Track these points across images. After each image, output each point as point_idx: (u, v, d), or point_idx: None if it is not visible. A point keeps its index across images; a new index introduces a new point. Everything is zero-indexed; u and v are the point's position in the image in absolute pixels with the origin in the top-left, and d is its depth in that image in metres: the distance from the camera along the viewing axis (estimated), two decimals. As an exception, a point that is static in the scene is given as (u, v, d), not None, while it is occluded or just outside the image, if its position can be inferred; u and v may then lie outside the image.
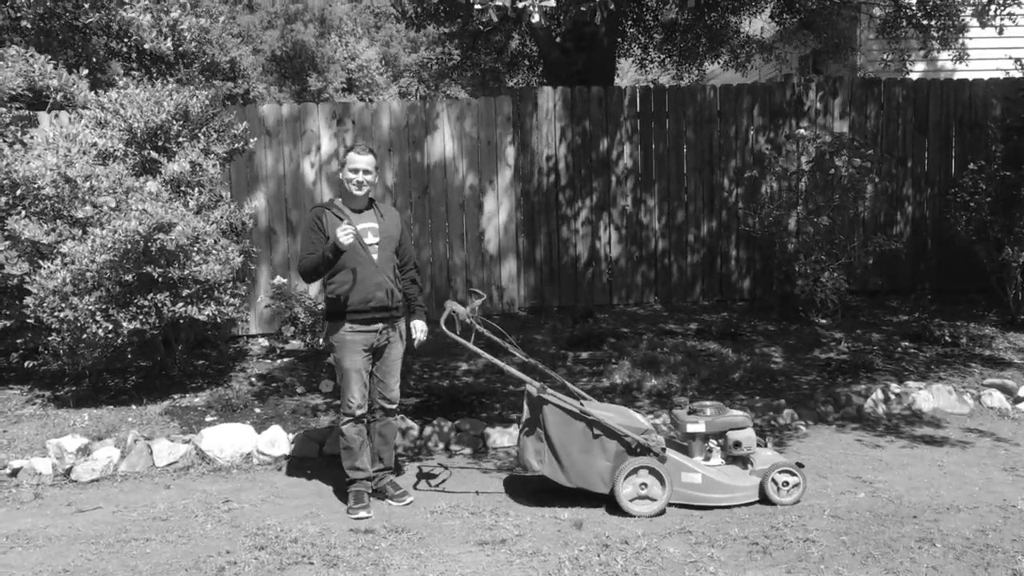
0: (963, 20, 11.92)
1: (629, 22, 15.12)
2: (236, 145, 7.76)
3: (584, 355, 7.92)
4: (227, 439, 6.30)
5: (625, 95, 9.42)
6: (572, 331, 8.47)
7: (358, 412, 5.14)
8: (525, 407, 5.15)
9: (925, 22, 11.91)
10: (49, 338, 6.91)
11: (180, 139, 7.42)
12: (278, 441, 6.33)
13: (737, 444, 5.10)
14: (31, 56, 8.77)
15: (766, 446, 5.34)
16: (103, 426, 6.68)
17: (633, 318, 9.11)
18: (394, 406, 5.37)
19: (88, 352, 6.95)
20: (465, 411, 6.81)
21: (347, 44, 38.32)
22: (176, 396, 7.25)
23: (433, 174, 9.14)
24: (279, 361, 8.14)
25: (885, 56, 12.74)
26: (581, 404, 5.09)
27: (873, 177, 8.11)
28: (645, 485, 4.93)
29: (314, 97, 31.22)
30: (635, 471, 4.91)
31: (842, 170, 7.89)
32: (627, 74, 27.34)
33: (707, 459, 5.17)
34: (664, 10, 15.83)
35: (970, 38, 11.85)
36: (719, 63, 16.16)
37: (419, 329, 5.35)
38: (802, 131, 8.38)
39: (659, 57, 16.24)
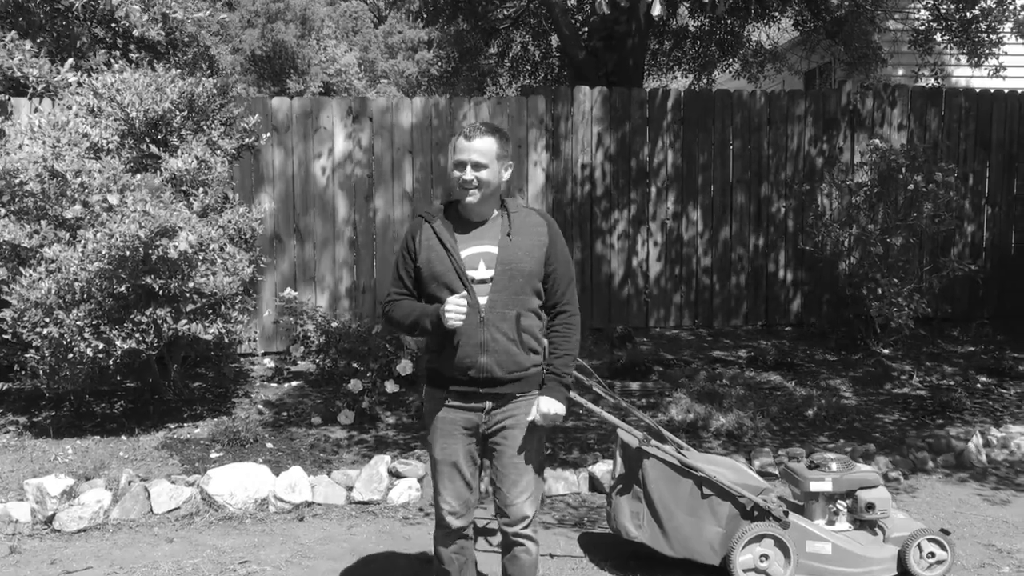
0: (1001, 35, 11.36)
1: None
2: (246, 141, 6.84)
3: (634, 386, 7.08)
4: (238, 482, 5.36)
5: (669, 98, 8.61)
6: (613, 357, 7.62)
7: (455, 523, 3.46)
8: (619, 460, 4.29)
9: (961, 34, 11.32)
10: (27, 355, 5.93)
11: (184, 132, 6.49)
12: (299, 485, 5.40)
13: (870, 506, 4.28)
14: (11, 41, 7.81)
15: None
16: (90, 461, 5.72)
17: (674, 343, 8.28)
18: (518, 527, 3.44)
19: (72, 373, 5.98)
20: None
21: (325, 48, 37.39)
22: (172, 425, 6.30)
23: (458, 179, 8.24)
24: (287, 385, 7.21)
25: (916, 68, 12.11)
26: (682, 455, 4.25)
27: (952, 195, 7.35)
28: (765, 557, 4.08)
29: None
30: (755, 539, 4.07)
31: (921, 185, 7.13)
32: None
33: (832, 523, 4.34)
34: (678, 16, 15.18)
35: (1005, 54, 11.27)
36: (730, 72, 15.52)
37: (543, 411, 3.38)
38: (877, 142, 7.61)
39: (668, 64, 15.55)
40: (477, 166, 3.31)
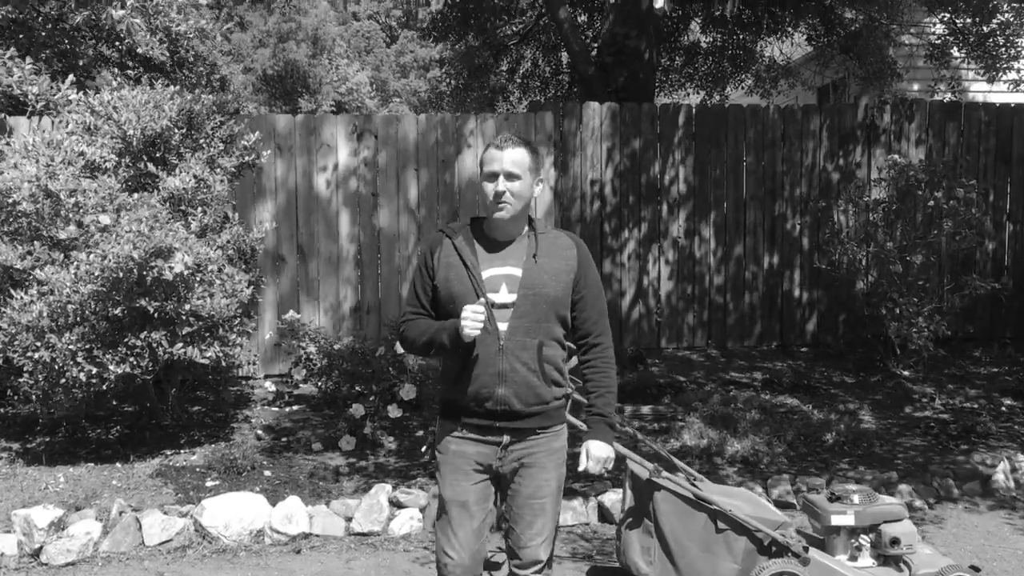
0: (1019, 48, 11.14)
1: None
2: (246, 159, 6.67)
3: (646, 410, 6.85)
4: (233, 512, 5.16)
5: (680, 113, 8.42)
6: (623, 379, 7.39)
7: (457, 572, 3.15)
8: (628, 492, 4.07)
9: (979, 48, 11.11)
10: (20, 380, 5.76)
11: (182, 150, 6.33)
12: (296, 516, 5.19)
13: (894, 541, 4.03)
14: (10, 59, 7.69)
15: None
16: (81, 490, 5.53)
17: (687, 364, 8.05)
18: (530, 571, 3.17)
19: (66, 398, 5.80)
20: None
21: (337, 67, 37.50)
22: (169, 452, 6.11)
23: (464, 196, 8.08)
24: (288, 409, 7.01)
25: (932, 83, 11.90)
26: (695, 487, 4.02)
27: (974, 211, 7.11)
28: (784, 596, 3.85)
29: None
30: (773, 578, 3.84)
31: (942, 202, 6.89)
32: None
33: (854, 559, 4.10)
34: (688, 31, 15.03)
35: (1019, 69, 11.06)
36: (743, 88, 15.33)
37: (593, 456, 3.13)
38: (896, 157, 7.39)
39: (680, 80, 15.37)
40: (510, 176, 3.04)
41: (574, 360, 3.34)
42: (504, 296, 3.07)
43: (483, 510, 3.15)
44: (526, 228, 3.19)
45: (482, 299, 3.02)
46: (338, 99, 35.43)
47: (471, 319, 2.94)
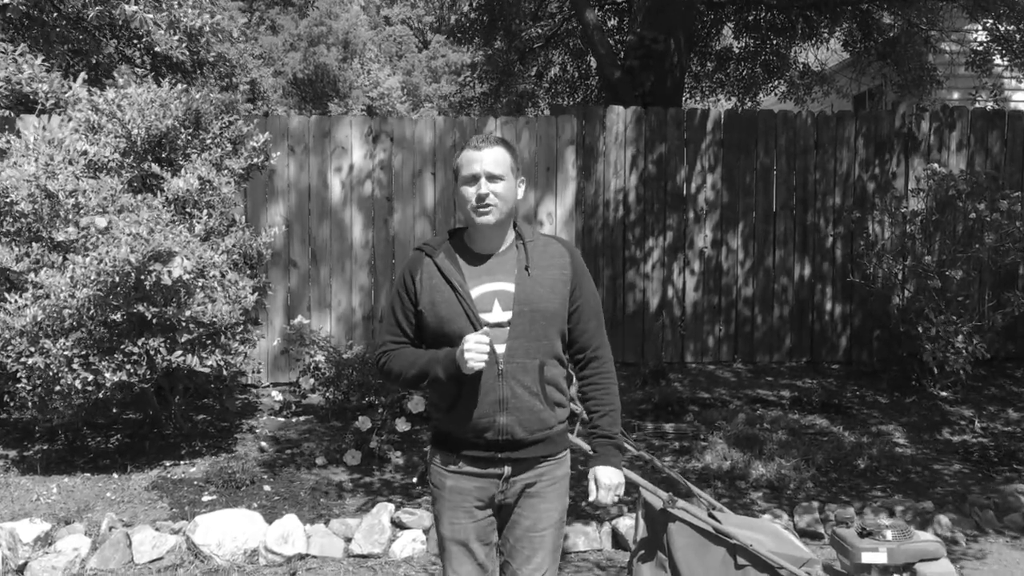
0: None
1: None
2: (255, 160, 6.44)
3: (668, 427, 6.53)
4: (227, 530, 4.91)
5: (708, 119, 8.09)
6: (644, 394, 7.08)
7: None
8: (640, 522, 3.76)
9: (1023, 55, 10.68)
10: (18, 385, 5.55)
11: (188, 150, 6.11)
12: (292, 535, 4.93)
13: (931, 583, 3.70)
14: (20, 55, 7.54)
15: None
16: (74, 502, 5.31)
17: (711, 379, 7.71)
18: None
19: (63, 405, 5.59)
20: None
21: (368, 71, 37.44)
22: (168, 463, 5.88)
23: (482, 203, 7.79)
24: (295, 419, 6.77)
25: (973, 91, 11.47)
26: (714, 517, 3.70)
27: (1020, 224, 6.71)
28: (809, 641, 3.52)
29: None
30: (797, 621, 3.51)
31: (984, 214, 6.52)
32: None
33: (886, 602, 3.77)
34: (720, 36, 14.69)
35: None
36: (775, 95, 14.95)
37: (603, 484, 2.88)
38: (935, 166, 7.01)
39: (711, 87, 15.03)
40: (493, 178, 2.77)
41: (575, 387, 3.07)
42: (498, 315, 2.78)
43: (484, 547, 2.89)
44: (512, 236, 2.90)
45: (485, 329, 2.73)
46: (368, 103, 35.36)
47: (475, 351, 2.66)
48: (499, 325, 2.77)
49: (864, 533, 3.83)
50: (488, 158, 2.79)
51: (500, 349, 2.75)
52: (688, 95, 15.68)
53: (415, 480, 5.76)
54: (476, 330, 2.73)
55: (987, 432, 6.60)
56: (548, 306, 2.80)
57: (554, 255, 2.88)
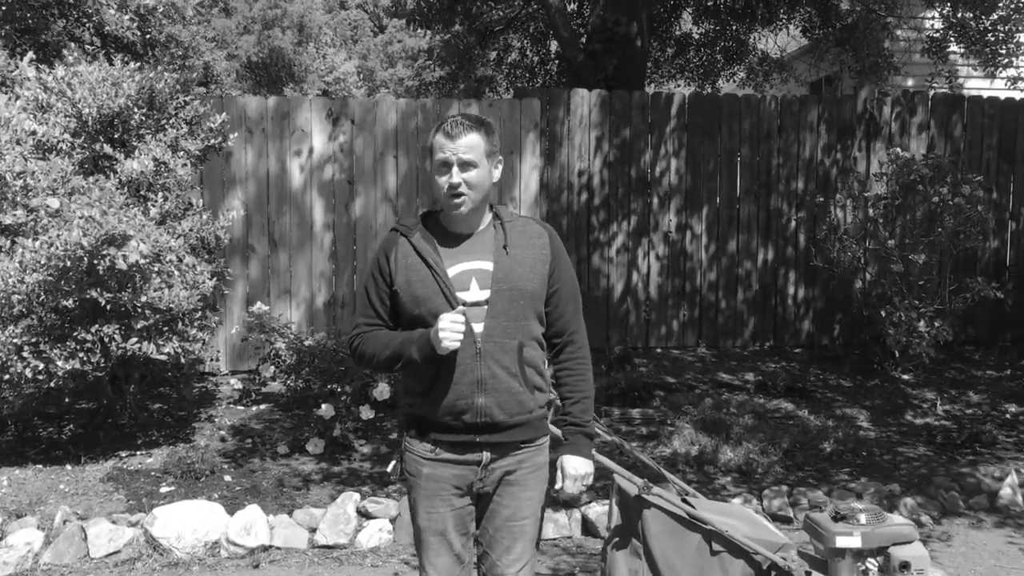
0: (1021, 44, 10.82)
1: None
2: (212, 142, 6.25)
3: (634, 413, 6.49)
4: (187, 522, 4.77)
5: (673, 103, 8.05)
6: (610, 380, 7.03)
7: None
8: (614, 509, 3.70)
9: (978, 43, 10.78)
10: (-35, 375, 5.34)
11: (142, 131, 5.91)
12: (255, 527, 4.80)
13: (904, 566, 3.67)
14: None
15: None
16: (25, 495, 5.13)
17: (677, 364, 7.69)
18: None
19: (12, 395, 5.40)
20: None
21: (324, 56, 36.94)
22: (124, 454, 5.71)
23: (445, 187, 7.67)
24: (255, 408, 6.62)
25: (929, 77, 11.56)
26: (687, 503, 3.65)
27: (981, 209, 6.76)
28: (785, 626, 3.49)
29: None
30: (773, 607, 3.48)
31: (947, 198, 6.55)
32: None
33: (861, 585, 3.74)
34: (680, 21, 14.66)
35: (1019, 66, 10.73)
36: (735, 81, 14.98)
37: (570, 474, 2.83)
38: (898, 150, 7.03)
39: (671, 72, 15.01)
40: (465, 166, 2.67)
41: (549, 371, 2.99)
42: (475, 293, 2.70)
43: (462, 536, 2.81)
44: (489, 216, 2.83)
45: (460, 307, 2.65)
46: (324, 88, 34.88)
47: (450, 329, 2.58)
48: (477, 304, 2.70)
49: (838, 517, 3.80)
50: (462, 145, 2.68)
51: (478, 328, 2.68)
52: (648, 80, 15.67)
53: (388, 470, 5.64)
54: (453, 309, 2.64)
55: (949, 415, 6.66)
56: (527, 285, 2.73)
57: (533, 235, 2.81)
